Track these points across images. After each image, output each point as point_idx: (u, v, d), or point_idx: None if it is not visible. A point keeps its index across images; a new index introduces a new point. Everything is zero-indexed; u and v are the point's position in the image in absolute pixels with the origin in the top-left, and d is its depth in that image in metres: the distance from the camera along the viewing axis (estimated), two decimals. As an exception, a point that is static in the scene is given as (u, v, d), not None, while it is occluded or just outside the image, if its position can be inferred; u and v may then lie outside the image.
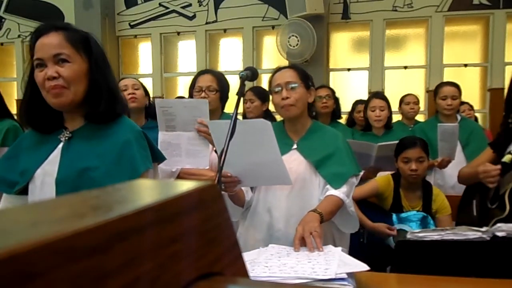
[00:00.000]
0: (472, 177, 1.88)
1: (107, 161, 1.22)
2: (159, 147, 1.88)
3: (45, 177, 1.23)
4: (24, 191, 1.26)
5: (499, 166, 1.71)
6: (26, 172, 1.25)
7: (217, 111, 2.11)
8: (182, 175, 2.05)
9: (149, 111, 2.30)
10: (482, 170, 1.75)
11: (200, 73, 2.19)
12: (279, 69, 1.76)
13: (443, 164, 2.63)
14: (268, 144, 1.45)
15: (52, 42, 1.18)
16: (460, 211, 2.04)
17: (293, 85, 1.66)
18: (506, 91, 1.91)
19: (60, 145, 1.25)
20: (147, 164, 1.28)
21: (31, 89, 1.23)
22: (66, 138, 1.26)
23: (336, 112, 3.34)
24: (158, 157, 1.36)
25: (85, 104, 1.24)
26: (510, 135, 1.85)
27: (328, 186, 1.63)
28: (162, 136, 1.88)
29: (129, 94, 2.23)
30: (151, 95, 2.53)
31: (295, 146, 1.71)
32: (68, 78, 1.18)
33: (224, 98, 2.15)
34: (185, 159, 1.87)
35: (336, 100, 3.34)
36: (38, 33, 1.21)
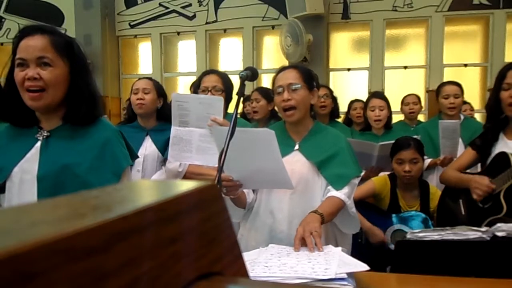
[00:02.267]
0: (461, 184, 1.89)
1: (90, 157, 1.26)
2: (170, 142, 1.90)
3: (24, 174, 1.25)
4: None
5: (493, 186, 1.73)
6: (2, 171, 1.26)
7: None
8: (188, 175, 2.06)
9: (162, 112, 2.28)
10: (477, 181, 1.77)
11: (205, 73, 2.19)
12: (282, 69, 1.74)
13: (446, 162, 2.63)
14: (271, 154, 1.45)
15: (37, 44, 1.21)
16: (442, 210, 2.03)
17: (295, 87, 1.63)
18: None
19: (38, 144, 1.27)
20: (128, 160, 1.35)
21: (9, 85, 1.26)
22: (44, 137, 1.28)
23: (334, 111, 3.33)
24: (133, 156, 1.41)
25: (63, 105, 1.28)
26: (495, 136, 1.85)
27: (329, 187, 1.62)
28: (175, 131, 1.87)
29: (137, 99, 2.21)
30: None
31: (297, 147, 1.70)
32: (48, 81, 1.21)
33: (228, 98, 2.14)
34: (195, 156, 1.87)
35: (334, 100, 3.33)
36: (24, 33, 1.23)
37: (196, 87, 2.17)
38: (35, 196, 1.22)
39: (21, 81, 1.20)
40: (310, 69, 1.84)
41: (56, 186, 1.21)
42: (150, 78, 2.40)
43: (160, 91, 2.31)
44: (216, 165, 1.89)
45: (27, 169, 1.25)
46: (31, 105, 1.23)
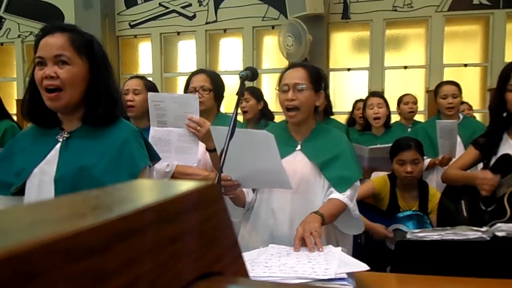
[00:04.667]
0: (465, 182, 1.87)
1: (107, 158, 1.24)
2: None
3: (43, 176, 1.24)
4: (19, 192, 1.27)
5: (498, 178, 1.71)
6: (22, 172, 1.26)
7: (212, 111, 2.09)
8: (176, 175, 2.03)
9: None
10: (482, 177, 1.74)
11: (193, 73, 2.16)
12: (290, 66, 1.72)
13: (444, 162, 2.63)
14: (271, 156, 1.44)
15: (55, 42, 1.20)
16: (442, 211, 2.02)
17: (300, 87, 1.61)
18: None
19: (58, 145, 1.27)
20: (146, 161, 1.31)
21: (32, 86, 1.26)
22: (64, 138, 1.28)
23: (327, 109, 3.30)
24: (154, 157, 1.38)
25: (83, 106, 1.27)
26: (498, 136, 1.84)
27: (332, 189, 1.61)
28: (153, 132, 1.85)
29: (128, 100, 2.16)
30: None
31: (299, 147, 1.69)
32: (65, 80, 1.19)
33: (219, 97, 2.12)
34: (174, 155, 1.85)
35: (327, 97, 3.31)
36: (44, 32, 1.23)
37: (185, 88, 2.14)
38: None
39: (40, 80, 1.20)
40: (321, 68, 1.82)
41: (72, 188, 1.20)
42: (141, 77, 2.33)
43: (152, 91, 2.28)
44: (195, 165, 1.89)
45: (47, 170, 1.24)
46: (50, 105, 1.22)
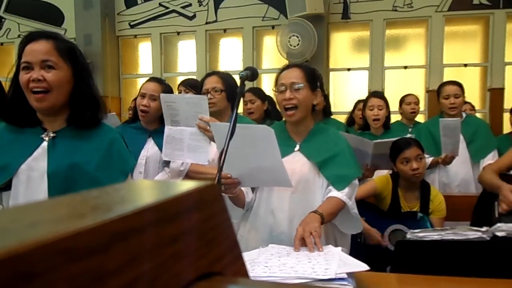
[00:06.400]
0: (490, 188, 1.80)
1: (97, 156, 1.31)
2: (164, 141, 1.97)
3: (31, 172, 1.28)
4: (3, 188, 1.31)
5: None
6: (7, 168, 1.29)
7: (226, 111, 2.12)
8: (190, 174, 2.09)
9: None
10: (505, 194, 1.66)
11: (206, 76, 2.23)
12: (286, 67, 1.73)
13: (447, 161, 2.63)
14: (270, 151, 1.44)
15: (41, 48, 1.27)
16: (478, 211, 1.96)
17: (297, 86, 1.62)
18: None
19: (44, 143, 1.32)
20: (134, 161, 1.44)
21: (14, 88, 1.31)
22: (50, 137, 1.33)
23: (326, 109, 3.28)
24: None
25: (67, 108, 1.33)
26: None
27: (330, 187, 1.62)
28: (168, 131, 1.95)
29: (142, 105, 2.14)
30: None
31: (297, 148, 1.69)
32: (52, 83, 1.26)
33: (232, 98, 2.13)
34: (186, 154, 1.94)
35: (326, 98, 3.29)
36: (29, 39, 1.29)
37: (199, 90, 2.23)
38: (45, 193, 1.27)
39: (26, 83, 1.25)
40: (315, 68, 1.83)
41: (66, 182, 1.26)
42: (160, 81, 2.28)
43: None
44: (206, 163, 1.94)
45: (35, 167, 1.28)
46: (36, 106, 1.28)
